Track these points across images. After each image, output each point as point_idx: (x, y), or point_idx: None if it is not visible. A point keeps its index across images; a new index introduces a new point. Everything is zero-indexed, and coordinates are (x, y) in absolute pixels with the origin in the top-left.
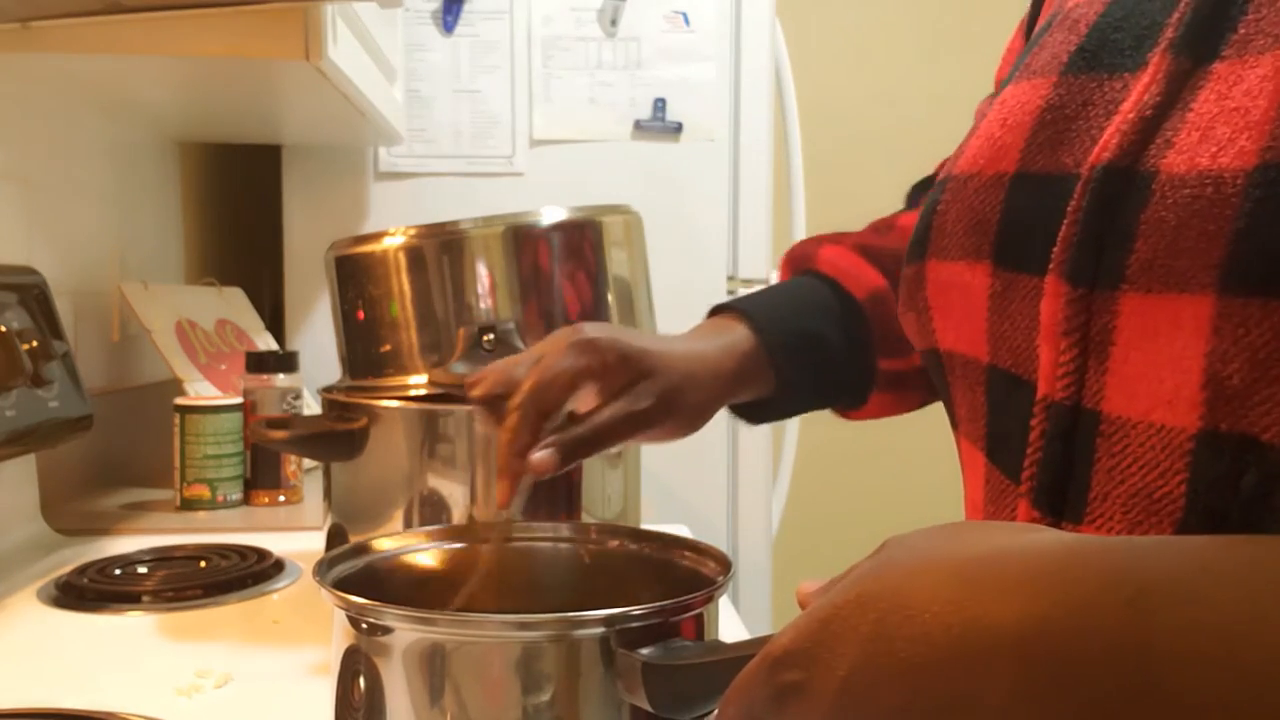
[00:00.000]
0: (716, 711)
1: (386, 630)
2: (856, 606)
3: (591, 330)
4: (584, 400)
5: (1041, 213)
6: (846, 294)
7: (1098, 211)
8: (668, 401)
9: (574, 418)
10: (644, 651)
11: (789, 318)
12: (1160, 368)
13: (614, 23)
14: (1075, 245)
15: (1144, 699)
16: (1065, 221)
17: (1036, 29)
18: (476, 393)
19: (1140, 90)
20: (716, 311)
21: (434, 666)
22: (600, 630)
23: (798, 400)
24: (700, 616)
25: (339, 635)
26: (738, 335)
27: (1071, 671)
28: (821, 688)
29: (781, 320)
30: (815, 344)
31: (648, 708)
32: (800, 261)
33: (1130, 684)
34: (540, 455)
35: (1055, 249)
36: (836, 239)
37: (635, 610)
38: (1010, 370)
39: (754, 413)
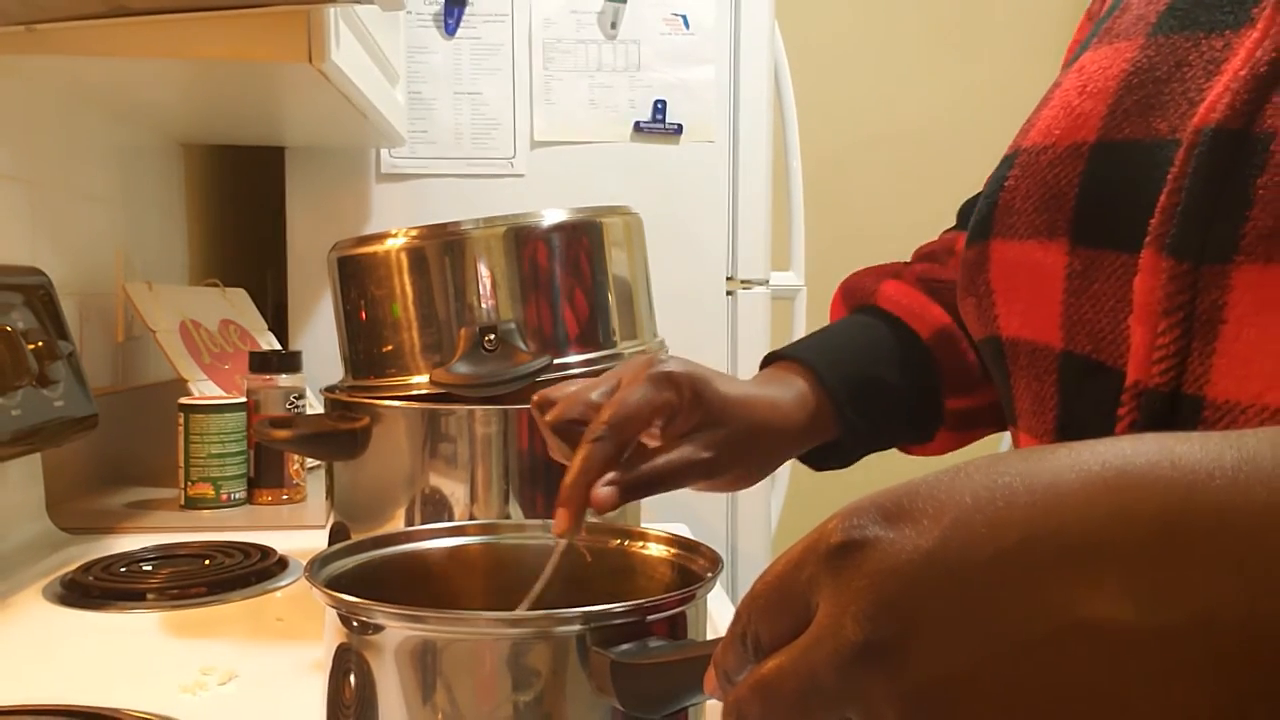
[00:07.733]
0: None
1: (377, 628)
2: (952, 476)
3: (671, 364)
4: (653, 435)
5: (1130, 183)
6: (911, 333)
7: (1206, 178)
8: (735, 453)
9: (640, 452)
10: (615, 650)
11: (850, 364)
12: (1277, 343)
13: (614, 25)
14: (1180, 216)
15: None
16: (1165, 190)
17: None
18: (549, 418)
19: (1251, 46)
20: (772, 359)
21: (424, 664)
22: (578, 628)
23: (862, 445)
24: (682, 615)
25: (330, 633)
26: (802, 387)
27: (1234, 505)
28: (906, 544)
29: (842, 367)
30: (878, 390)
31: (619, 706)
32: (858, 296)
33: None
34: (603, 492)
35: (1153, 221)
36: (896, 272)
37: (613, 608)
38: (1089, 356)
39: (818, 459)
